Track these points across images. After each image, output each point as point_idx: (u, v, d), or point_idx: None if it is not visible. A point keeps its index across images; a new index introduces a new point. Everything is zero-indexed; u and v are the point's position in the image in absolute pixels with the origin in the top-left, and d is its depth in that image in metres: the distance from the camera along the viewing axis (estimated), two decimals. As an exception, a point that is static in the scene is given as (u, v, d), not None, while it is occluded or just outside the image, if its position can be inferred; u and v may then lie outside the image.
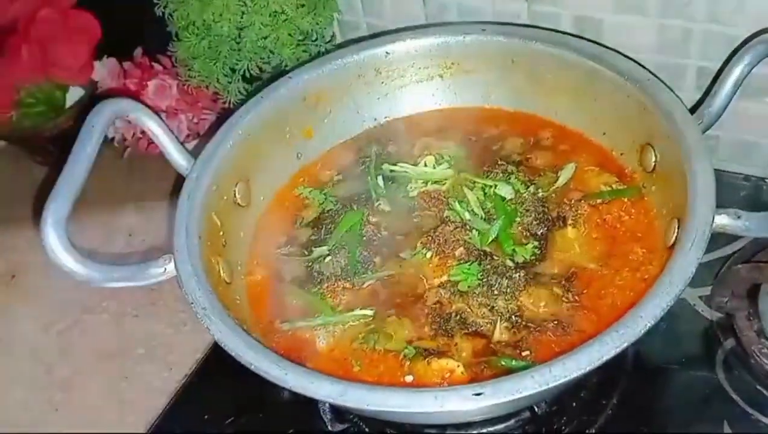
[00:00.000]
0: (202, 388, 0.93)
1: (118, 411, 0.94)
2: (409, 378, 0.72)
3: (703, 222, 0.68)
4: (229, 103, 1.08)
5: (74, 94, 1.25)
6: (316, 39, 1.06)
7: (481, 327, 0.75)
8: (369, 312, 0.78)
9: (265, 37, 1.02)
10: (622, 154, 0.88)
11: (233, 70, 1.06)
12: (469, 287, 0.77)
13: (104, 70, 1.20)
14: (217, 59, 1.04)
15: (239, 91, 1.07)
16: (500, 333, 0.74)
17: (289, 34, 1.03)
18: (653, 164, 0.83)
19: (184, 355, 0.97)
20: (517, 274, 0.78)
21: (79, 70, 1.21)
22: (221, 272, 0.79)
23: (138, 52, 1.21)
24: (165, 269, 0.75)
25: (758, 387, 0.81)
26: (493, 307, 0.76)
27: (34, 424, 0.96)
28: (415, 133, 0.98)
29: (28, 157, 1.30)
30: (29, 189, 1.24)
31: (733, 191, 0.99)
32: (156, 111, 1.15)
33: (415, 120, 1.01)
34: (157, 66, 1.19)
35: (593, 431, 0.79)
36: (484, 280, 0.77)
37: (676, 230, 0.73)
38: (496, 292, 0.76)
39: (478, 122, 0.97)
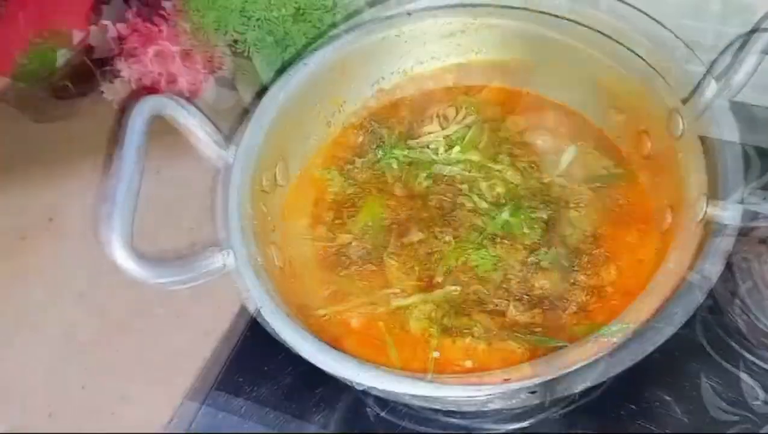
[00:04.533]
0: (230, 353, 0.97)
1: (148, 377, 0.99)
2: (435, 355, 0.80)
3: (693, 214, 0.75)
4: (248, 51, 1.07)
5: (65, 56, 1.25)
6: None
7: (497, 306, 0.83)
8: (396, 291, 0.85)
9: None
10: (619, 139, 0.94)
11: (248, 18, 1.05)
12: (483, 270, 0.84)
13: (101, 36, 1.19)
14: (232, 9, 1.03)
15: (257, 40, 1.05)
16: (514, 312, 0.82)
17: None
18: (648, 150, 0.89)
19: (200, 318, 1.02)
20: (527, 256, 0.85)
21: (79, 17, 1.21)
22: (275, 259, 0.83)
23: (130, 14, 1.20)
24: (224, 265, 0.76)
25: (731, 342, 0.90)
26: (506, 288, 0.84)
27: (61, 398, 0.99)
28: (429, 108, 1.01)
29: (24, 116, 1.30)
30: (28, 149, 1.26)
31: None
32: (157, 76, 1.19)
33: (428, 96, 1.03)
34: (152, 28, 1.19)
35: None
36: (497, 263, 0.85)
37: (670, 216, 0.81)
38: (509, 275, 0.84)
39: (487, 102, 1.01)
